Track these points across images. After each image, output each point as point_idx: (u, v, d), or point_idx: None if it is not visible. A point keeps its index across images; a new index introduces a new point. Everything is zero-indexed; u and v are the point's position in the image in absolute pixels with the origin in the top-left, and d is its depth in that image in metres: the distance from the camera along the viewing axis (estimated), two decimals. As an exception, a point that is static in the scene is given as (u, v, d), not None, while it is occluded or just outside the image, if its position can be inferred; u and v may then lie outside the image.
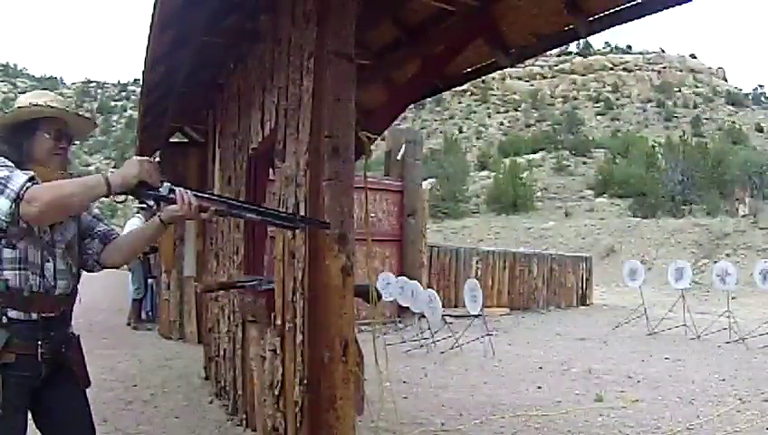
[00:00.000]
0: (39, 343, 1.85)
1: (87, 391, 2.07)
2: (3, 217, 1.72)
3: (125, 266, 13.13)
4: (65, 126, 2.00)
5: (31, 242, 1.85)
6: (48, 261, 1.89)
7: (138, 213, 9.37)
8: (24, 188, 1.70)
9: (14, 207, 1.69)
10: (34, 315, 1.85)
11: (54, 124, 1.97)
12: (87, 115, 2.13)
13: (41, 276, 1.87)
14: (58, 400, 1.96)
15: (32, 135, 1.94)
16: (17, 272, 1.83)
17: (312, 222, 2.35)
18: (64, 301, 1.94)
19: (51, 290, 1.89)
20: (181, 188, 1.83)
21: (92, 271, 2.11)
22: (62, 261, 1.94)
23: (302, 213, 2.63)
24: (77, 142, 2.33)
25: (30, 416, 1.94)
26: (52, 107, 1.96)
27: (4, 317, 1.80)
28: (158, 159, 8.56)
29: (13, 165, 1.80)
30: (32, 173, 1.77)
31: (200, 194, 1.85)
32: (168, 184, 1.83)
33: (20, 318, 1.82)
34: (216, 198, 1.98)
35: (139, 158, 1.84)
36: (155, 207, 1.95)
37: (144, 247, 2.24)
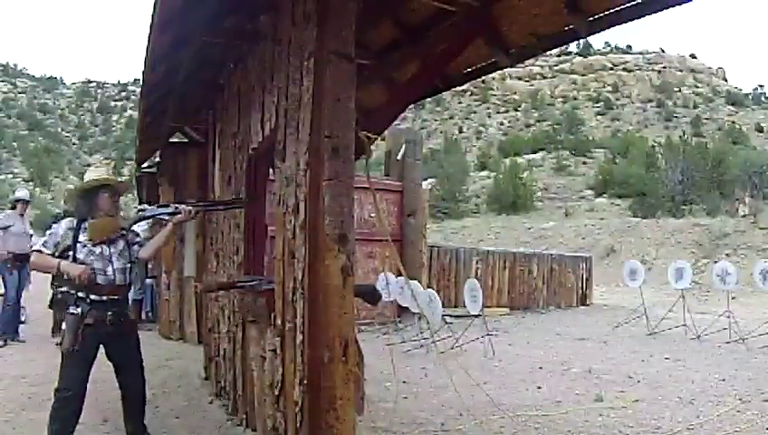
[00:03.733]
0: (108, 313, 3.38)
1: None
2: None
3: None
4: (116, 187, 3.61)
5: (98, 257, 3.41)
6: (108, 265, 3.43)
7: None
8: (36, 250, 3.45)
9: None
10: (105, 297, 3.39)
11: (110, 187, 3.55)
12: (124, 181, 4.32)
13: (104, 274, 3.41)
14: (120, 345, 3.51)
15: (97, 195, 3.49)
16: (95, 274, 3.38)
17: (242, 201, 4.09)
18: (121, 287, 3.50)
19: (112, 282, 3.42)
20: (183, 206, 3.61)
21: (136, 263, 3.67)
22: (118, 262, 3.47)
23: (302, 216, 2.75)
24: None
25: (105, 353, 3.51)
26: (108, 179, 3.58)
27: (88, 298, 3.34)
28: (158, 159, 8.59)
29: (59, 232, 3.44)
30: (46, 238, 3.44)
31: (190, 201, 3.64)
32: (172, 205, 3.65)
33: (96, 299, 3.36)
34: (200, 204, 3.92)
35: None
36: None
37: (165, 244, 3.70)
